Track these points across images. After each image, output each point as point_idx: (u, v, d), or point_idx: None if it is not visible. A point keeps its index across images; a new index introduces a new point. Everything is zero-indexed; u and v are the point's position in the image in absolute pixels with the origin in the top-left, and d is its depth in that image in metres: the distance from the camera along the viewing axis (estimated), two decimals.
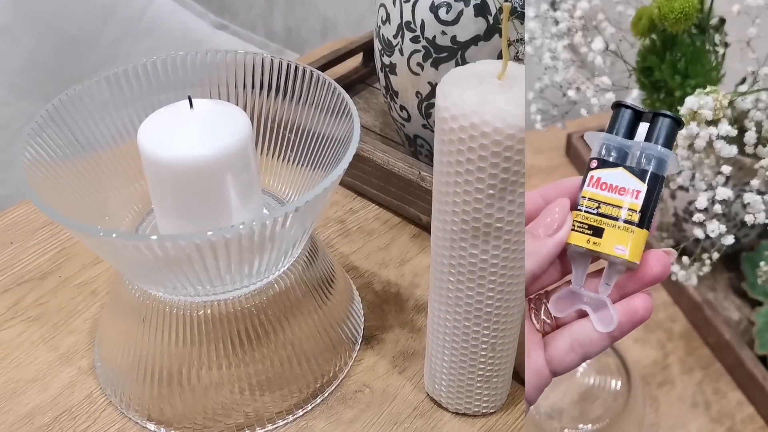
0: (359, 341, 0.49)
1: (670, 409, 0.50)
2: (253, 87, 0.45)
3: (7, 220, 0.58)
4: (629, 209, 0.28)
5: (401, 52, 0.54)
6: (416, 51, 0.53)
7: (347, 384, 0.46)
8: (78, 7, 0.97)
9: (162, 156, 0.39)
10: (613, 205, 0.28)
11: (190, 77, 0.44)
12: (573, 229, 0.28)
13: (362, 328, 0.50)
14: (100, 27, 0.96)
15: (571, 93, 0.48)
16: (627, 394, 0.45)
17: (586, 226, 0.28)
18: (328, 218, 0.58)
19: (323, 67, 0.69)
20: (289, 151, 0.47)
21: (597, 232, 0.28)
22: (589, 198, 0.28)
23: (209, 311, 0.43)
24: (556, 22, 0.48)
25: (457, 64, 0.51)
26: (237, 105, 0.44)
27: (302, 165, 0.46)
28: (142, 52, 0.94)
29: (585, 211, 0.28)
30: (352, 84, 0.71)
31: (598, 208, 0.28)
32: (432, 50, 0.52)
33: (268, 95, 0.46)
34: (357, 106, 0.69)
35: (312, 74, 0.44)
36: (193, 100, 0.40)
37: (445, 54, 0.51)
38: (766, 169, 0.38)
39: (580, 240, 0.28)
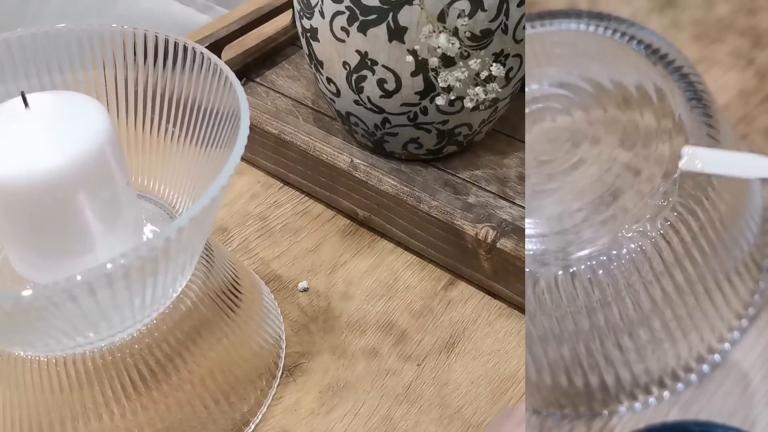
0: (279, 373, 0.40)
1: None
2: (116, 68, 0.35)
3: None
4: None
5: (322, 14, 0.44)
6: (339, 12, 0.43)
7: (263, 431, 0.38)
8: None
9: None
10: None
11: (30, 62, 0.34)
12: None
13: (283, 356, 0.41)
14: None
15: None
16: None
17: None
18: (246, 214, 0.49)
19: (248, 27, 0.59)
20: (171, 127, 0.37)
21: None
22: None
23: (86, 361, 0.34)
24: None
25: (388, 28, 0.42)
26: (93, 90, 0.34)
27: (190, 143, 0.37)
28: (51, 14, 0.82)
29: None
30: (281, 47, 0.61)
31: None
32: (357, 11, 0.42)
33: (144, 66, 0.36)
34: (286, 72, 0.59)
35: (186, 48, 0.35)
36: (27, 96, 0.31)
37: (374, 16, 0.42)
38: None
39: None
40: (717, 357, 0.38)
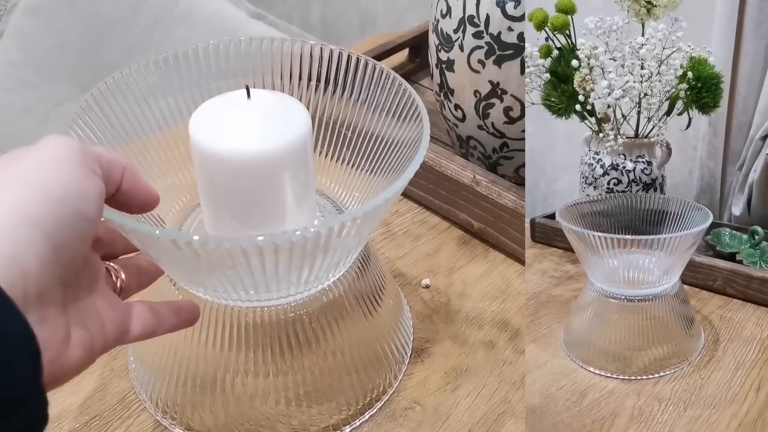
0: (409, 353, 0.46)
1: None
2: (310, 79, 0.42)
3: None
4: None
5: (461, 47, 0.51)
6: (478, 47, 0.50)
7: (397, 400, 0.43)
8: None
9: (216, 149, 0.36)
10: None
11: (242, 65, 0.41)
12: None
13: (411, 339, 0.47)
14: (134, 11, 0.93)
15: None
16: None
17: None
18: None
19: None
20: (346, 152, 0.44)
21: None
22: None
23: (253, 317, 0.40)
24: None
25: (522, 63, 0.48)
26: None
27: (360, 168, 0.43)
28: (176, 39, 0.91)
29: None
30: None
31: None
32: (496, 47, 0.49)
33: (325, 90, 0.43)
34: None
35: (375, 68, 0.41)
36: (251, 89, 0.37)
37: (510, 51, 0.48)
38: None
39: None
40: None
